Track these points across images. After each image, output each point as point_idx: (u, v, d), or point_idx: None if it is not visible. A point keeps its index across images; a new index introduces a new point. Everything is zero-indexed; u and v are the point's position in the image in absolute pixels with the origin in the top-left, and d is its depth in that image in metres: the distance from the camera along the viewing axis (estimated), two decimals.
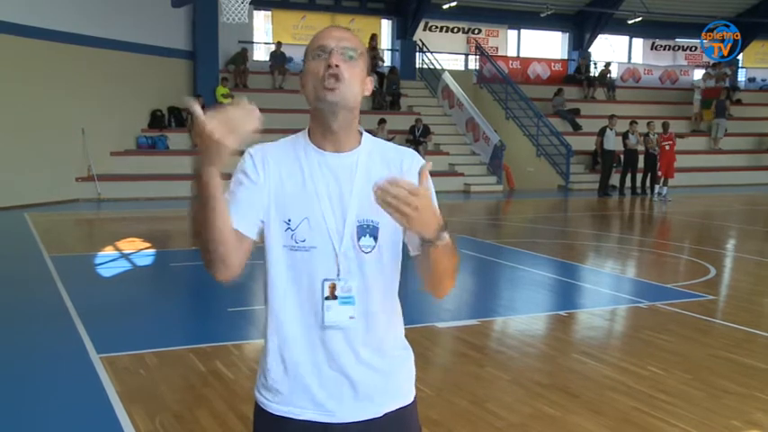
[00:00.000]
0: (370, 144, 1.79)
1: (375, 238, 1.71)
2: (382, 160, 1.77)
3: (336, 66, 1.67)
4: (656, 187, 16.89)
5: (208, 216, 1.55)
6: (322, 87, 1.68)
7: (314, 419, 1.73)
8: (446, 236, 1.58)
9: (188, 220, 1.63)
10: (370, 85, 1.78)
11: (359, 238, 1.71)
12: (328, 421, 1.72)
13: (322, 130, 1.74)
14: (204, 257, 1.64)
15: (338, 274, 1.70)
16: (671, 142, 17.12)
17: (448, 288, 1.75)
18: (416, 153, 1.84)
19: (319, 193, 1.70)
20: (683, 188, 17.98)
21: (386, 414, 1.76)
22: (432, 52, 21.57)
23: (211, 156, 1.45)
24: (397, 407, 1.78)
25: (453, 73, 21.15)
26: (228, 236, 1.61)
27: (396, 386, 1.80)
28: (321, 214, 1.70)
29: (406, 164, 1.77)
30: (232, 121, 1.43)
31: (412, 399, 1.84)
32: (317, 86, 1.69)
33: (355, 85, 1.71)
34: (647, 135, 17.58)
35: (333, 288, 1.70)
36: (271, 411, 1.76)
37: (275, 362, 1.76)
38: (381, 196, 1.46)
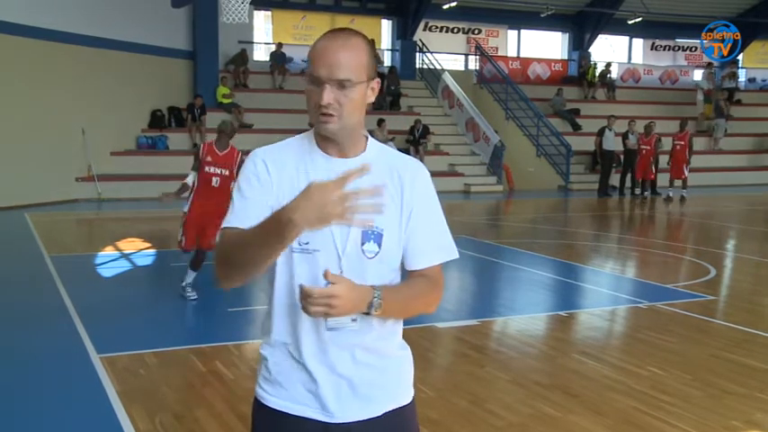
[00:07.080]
0: (376, 150, 1.80)
1: (379, 245, 1.71)
2: (387, 168, 1.77)
3: (329, 104, 1.65)
4: (682, 191, 16.75)
5: (262, 260, 1.59)
6: (318, 118, 1.69)
7: (313, 418, 1.73)
8: (379, 302, 1.61)
9: (233, 248, 1.64)
10: (376, 86, 1.75)
11: (362, 243, 1.71)
12: (328, 420, 1.73)
13: (326, 140, 1.75)
14: (226, 276, 1.67)
15: None
16: (683, 142, 17.02)
17: (424, 312, 1.82)
18: (422, 165, 1.84)
19: None
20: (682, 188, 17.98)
21: (385, 413, 1.77)
22: (432, 52, 21.57)
23: (301, 228, 1.47)
24: (396, 406, 1.80)
25: (453, 73, 21.16)
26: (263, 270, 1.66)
27: (394, 386, 1.81)
28: None
29: (409, 176, 1.77)
30: (324, 207, 1.44)
31: (410, 398, 1.85)
32: (313, 115, 1.70)
33: (352, 113, 1.69)
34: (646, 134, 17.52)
35: None
36: (270, 406, 1.77)
37: (275, 360, 1.77)
38: (305, 308, 1.53)
